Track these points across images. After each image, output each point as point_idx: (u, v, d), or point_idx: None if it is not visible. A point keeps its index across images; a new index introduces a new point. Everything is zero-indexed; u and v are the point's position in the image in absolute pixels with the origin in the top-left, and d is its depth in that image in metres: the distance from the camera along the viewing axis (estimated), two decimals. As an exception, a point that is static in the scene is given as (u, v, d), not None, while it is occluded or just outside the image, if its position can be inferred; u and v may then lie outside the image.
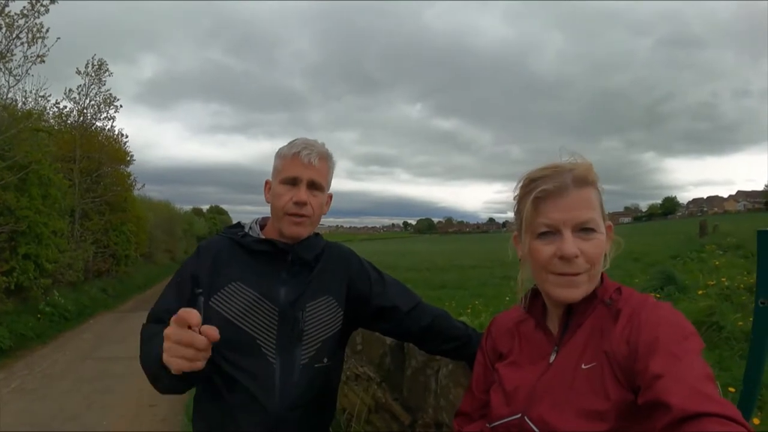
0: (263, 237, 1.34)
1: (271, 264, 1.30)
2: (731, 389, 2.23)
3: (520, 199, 0.96)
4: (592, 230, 0.90)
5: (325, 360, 1.30)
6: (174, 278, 1.33)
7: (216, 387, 1.23)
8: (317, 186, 1.31)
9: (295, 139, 1.35)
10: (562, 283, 0.91)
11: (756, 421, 2.05)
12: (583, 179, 0.91)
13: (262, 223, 1.41)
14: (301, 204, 1.27)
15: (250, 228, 1.39)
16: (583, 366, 0.87)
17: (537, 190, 0.91)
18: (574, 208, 0.89)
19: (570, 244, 0.88)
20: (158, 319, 1.23)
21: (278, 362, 1.23)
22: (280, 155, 1.33)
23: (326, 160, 1.34)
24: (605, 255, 0.96)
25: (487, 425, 1.01)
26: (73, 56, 13.26)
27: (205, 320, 1.18)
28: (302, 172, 1.28)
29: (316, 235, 1.40)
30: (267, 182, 1.38)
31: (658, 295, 4.97)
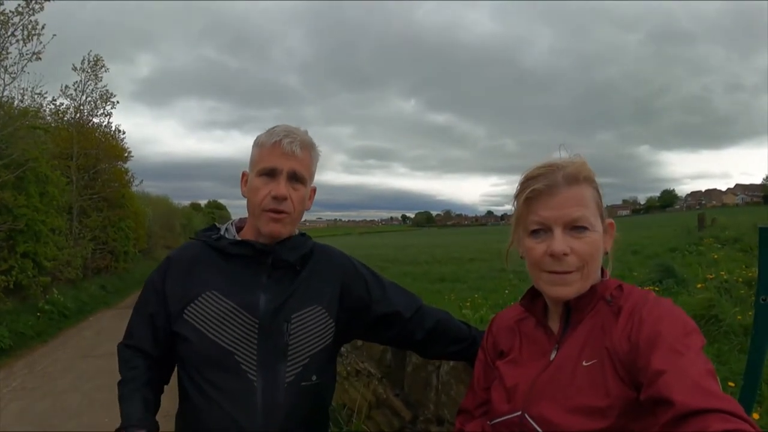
0: (239, 238, 1.22)
1: (249, 268, 1.17)
2: (731, 383, 2.24)
3: (516, 198, 0.97)
4: (584, 228, 0.90)
5: (314, 378, 1.16)
6: (140, 299, 1.25)
7: (195, 407, 1.13)
8: (299, 178, 1.17)
9: (275, 126, 1.20)
10: (553, 281, 0.92)
11: (755, 416, 2.06)
12: (574, 177, 0.91)
13: (239, 225, 1.28)
14: (280, 199, 1.14)
15: (226, 230, 1.26)
16: (584, 363, 0.87)
17: (528, 190, 0.92)
18: (564, 206, 0.90)
19: (559, 241, 0.89)
20: (130, 336, 1.24)
21: (260, 380, 1.10)
22: (258, 144, 1.19)
23: (310, 149, 1.20)
24: (607, 253, 0.96)
25: (488, 422, 1.01)
26: (69, 56, 13.20)
27: (182, 336, 1.16)
28: (282, 162, 1.15)
29: (302, 234, 1.27)
30: (244, 174, 1.24)
31: (657, 288, 4.98)
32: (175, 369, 1.25)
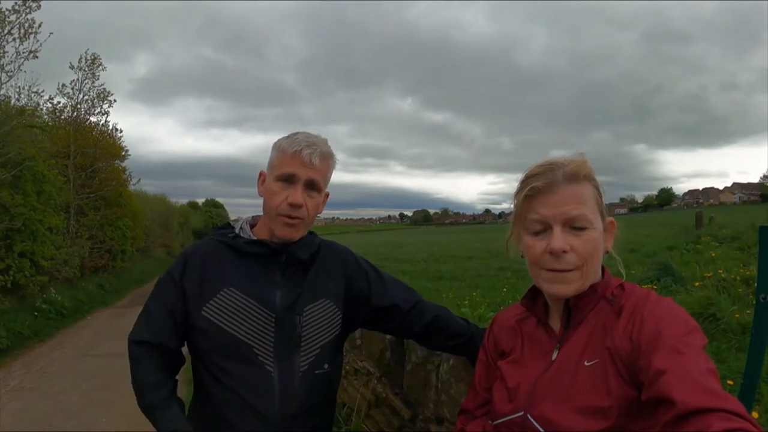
0: (254, 238, 1.28)
1: (264, 266, 1.24)
2: (729, 382, 2.25)
3: (516, 195, 0.98)
4: (584, 226, 0.90)
5: (326, 366, 1.25)
6: (156, 294, 1.26)
7: (212, 396, 1.19)
8: (315, 186, 1.23)
9: (297, 134, 1.24)
10: (553, 279, 0.92)
11: (755, 414, 2.07)
12: (574, 175, 0.91)
13: (253, 223, 1.34)
14: (295, 206, 1.20)
15: (241, 228, 1.32)
16: (585, 363, 0.87)
17: (528, 188, 0.92)
18: (563, 204, 0.90)
19: (558, 239, 0.89)
20: (149, 329, 1.23)
21: (276, 370, 1.18)
22: (279, 149, 1.24)
23: (328, 159, 1.26)
24: (607, 251, 0.96)
25: (490, 423, 1.01)
26: (66, 55, 13.18)
27: (200, 330, 1.20)
28: (301, 170, 1.20)
29: (310, 233, 1.33)
30: (261, 173, 1.29)
31: (654, 287, 4.99)
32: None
